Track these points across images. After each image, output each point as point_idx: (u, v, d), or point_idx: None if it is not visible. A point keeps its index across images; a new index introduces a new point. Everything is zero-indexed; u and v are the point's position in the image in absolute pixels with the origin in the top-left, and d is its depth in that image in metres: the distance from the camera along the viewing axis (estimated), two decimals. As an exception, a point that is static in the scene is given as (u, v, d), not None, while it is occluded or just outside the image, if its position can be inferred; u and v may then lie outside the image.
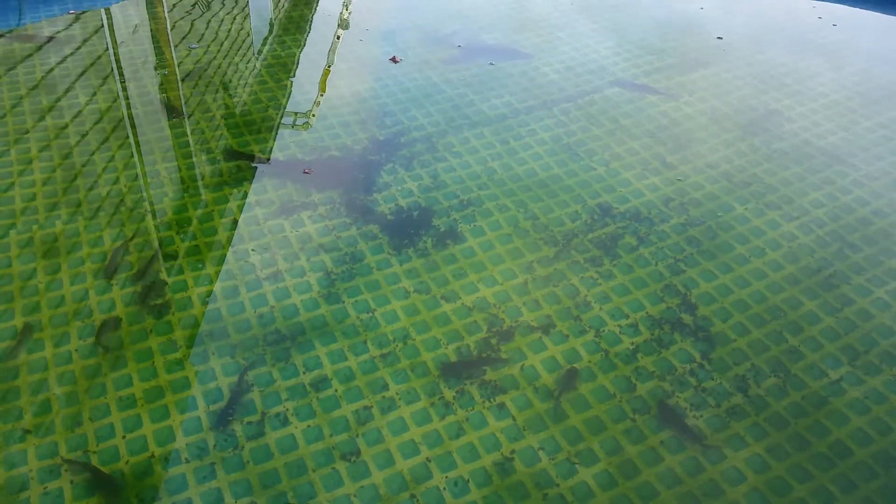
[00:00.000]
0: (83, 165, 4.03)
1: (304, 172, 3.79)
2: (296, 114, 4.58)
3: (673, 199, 3.96)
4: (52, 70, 4.81)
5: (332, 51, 5.29)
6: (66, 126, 4.32)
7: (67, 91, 4.63)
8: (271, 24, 5.67)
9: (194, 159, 4.15)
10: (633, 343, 3.19)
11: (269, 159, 4.16)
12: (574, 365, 3.06)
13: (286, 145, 4.29)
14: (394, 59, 5.09)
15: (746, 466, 2.74)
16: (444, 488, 2.65)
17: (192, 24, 5.51)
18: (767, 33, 5.69)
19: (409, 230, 3.73)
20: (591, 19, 5.86)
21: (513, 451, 2.77)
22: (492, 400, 2.94)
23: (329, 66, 5.09)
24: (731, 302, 3.39)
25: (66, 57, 4.96)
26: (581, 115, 4.63)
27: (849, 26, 5.82)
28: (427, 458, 2.74)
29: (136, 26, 5.39)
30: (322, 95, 4.76)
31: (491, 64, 5.16)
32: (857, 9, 6.10)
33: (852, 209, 3.90)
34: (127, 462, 2.67)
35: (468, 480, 2.67)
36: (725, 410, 2.93)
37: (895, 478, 2.71)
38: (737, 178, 4.11)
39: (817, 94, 4.89)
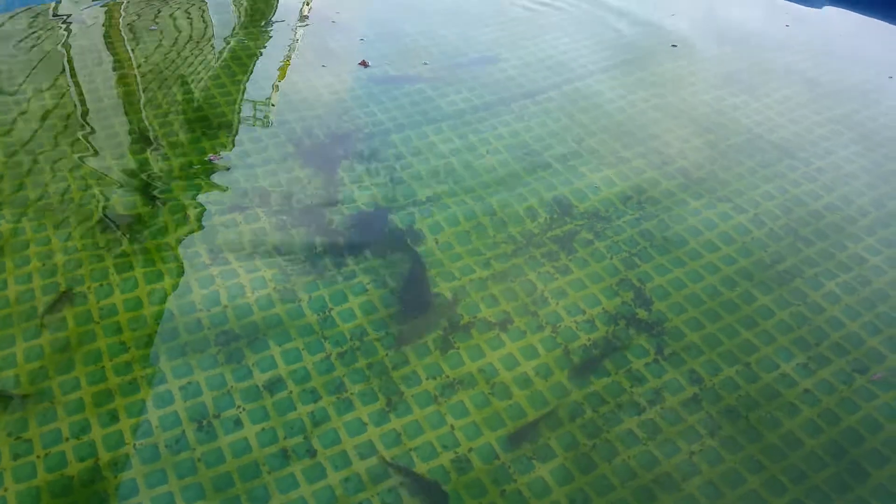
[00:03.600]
0: (33, 163, 3.91)
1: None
2: (253, 110, 4.50)
3: (628, 195, 3.98)
4: (-4, 64, 4.67)
5: (291, 46, 5.22)
6: (12, 122, 4.19)
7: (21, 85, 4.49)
8: (230, 18, 5.57)
9: (147, 156, 4.05)
10: (589, 339, 3.20)
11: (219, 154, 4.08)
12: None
13: (240, 141, 4.21)
14: (363, 64, 5.02)
15: (701, 459, 2.77)
16: (402, 489, 2.63)
17: (153, 15, 5.39)
18: (723, 30, 5.76)
19: (366, 226, 3.69)
20: (549, 17, 5.88)
21: (470, 449, 2.76)
22: (450, 398, 2.93)
23: (287, 62, 5.02)
24: (684, 296, 3.42)
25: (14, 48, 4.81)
26: (539, 111, 4.64)
27: (801, 24, 5.92)
28: (384, 458, 2.71)
29: (88, 18, 5.26)
30: (278, 92, 4.69)
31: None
32: (810, 8, 6.21)
33: (804, 203, 3.97)
34: (78, 467, 2.60)
35: (425, 480, 2.66)
36: (680, 404, 2.96)
37: (844, 467, 2.77)
38: (692, 174, 4.15)
39: (770, 89, 4.96)
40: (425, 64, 5.05)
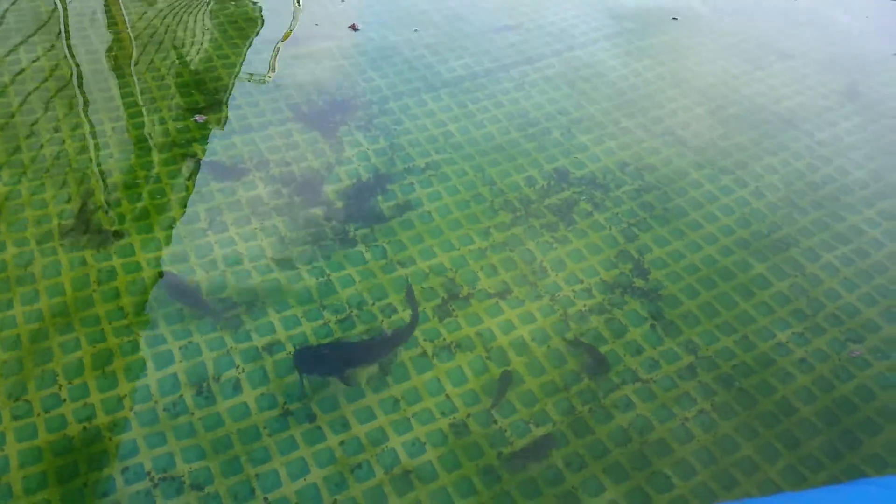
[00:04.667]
0: (33, 125, 3.88)
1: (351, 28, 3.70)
2: (251, 75, 4.46)
3: (629, 164, 3.97)
4: (-10, 26, 4.60)
5: (290, 11, 5.15)
6: (6, 85, 4.15)
7: (10, 47, 4.44)
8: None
9: (144, 119, 4.02)
10: (586, 307, 3.21)
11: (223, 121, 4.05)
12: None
13: (238, 105, 4.18)
14: (353, 27, 4.96)
15: (695, 425, 2.80)
16: (401, 450, 2.66)
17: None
18: (725, 0, 5.70)
19: (364, 194, 3.68)
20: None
21: (469, 415, 2.79)
22: (448, 364, 2.95)
23: (289, 29, 4.96)
24: (682, 266, 3.43)
25: (5, 11, 4.75)
26: (539, 79, 4.60)
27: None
28: (383, 423, 2.74)
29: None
30: (277, 56, 4.64)
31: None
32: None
33: (803, 174, 3.96)
34: (77, 429, 2.62)
35: (424, 442, 2.69)
36: (675, 371, 2.98)
37: (836, 434, 2.80)
38: (692, 144, 4.14)
39: (774, 59, 4.93)
40: (415, 31, 4.99)
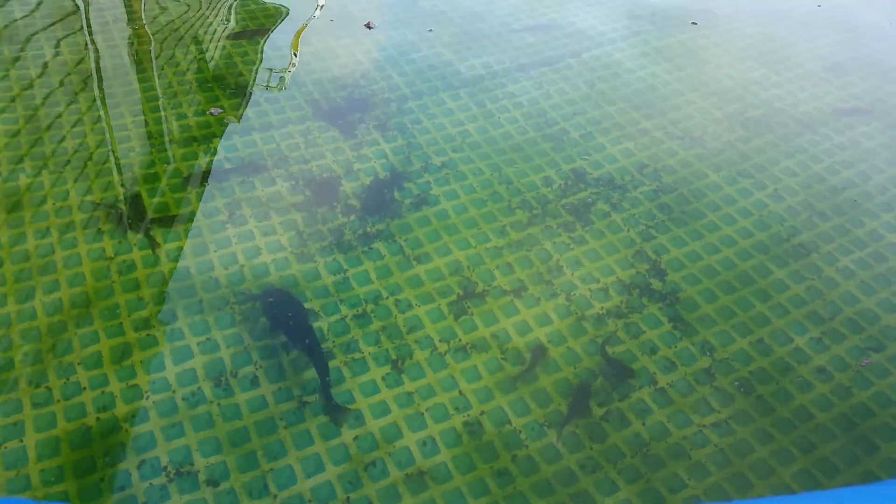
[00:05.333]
0: (56, 118, 3.92)
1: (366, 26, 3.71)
2: (270, 71, 4.48)
3: (647, 166, 3.96)
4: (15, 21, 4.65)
5: (310, 7, 5.17)
6: (31, 79, 4.19)
7: (28, 42, 4.48)
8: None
9: (164, 113, 4.05)
10: (603, 308, 3.21)
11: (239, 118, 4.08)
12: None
13: (257, 102, 4.20)
14: (368, 25, 4.97)
15: (711, 430, 2.79)
16: (415, 449, 2.67)
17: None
18: (745, 4, 5.66)
19: (382, 191, 3.69)
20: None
21: (482, 413, 2.79)
22: (464, 363, 2.95)
23: (304, 25, 4.98)
24: (700, 268, 3.42)
25: (32, 9, 4.79)
26: (558, 79, 4.60)
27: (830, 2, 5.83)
28: (398, 419, 2.75)
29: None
30: (296, 54, 4.66)
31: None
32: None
33: (823, 178, 3.94)
34: (95, 419, 2.65)
35: (437, 441, 2.69)
36: (692, 375, 2.97)
37: (852, 439, 2.78)
38: (711, 146, 4.12)
39: (792, 63, 4.90)
40: (431, 31, 4.99)
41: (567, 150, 4.04)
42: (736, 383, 2.95)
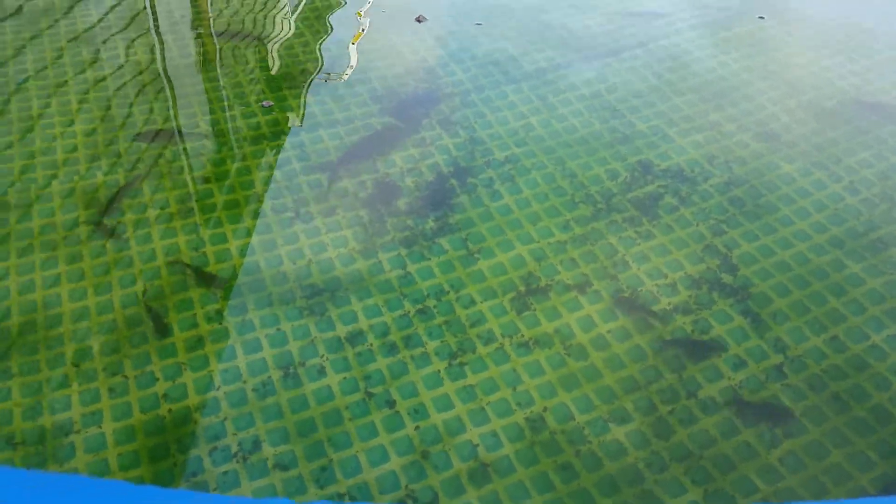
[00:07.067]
0: (126, 118, 4.07)
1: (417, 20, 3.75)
2: (333, 67, 4.54)
3: (717, 157, 3.86)
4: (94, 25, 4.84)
5: (371, 3, 5.22)
6: (105, 78, 4.35)
7: (105, 42, 4.65)
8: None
9: (234, 112, 4.15)
10: (670, 303, 3.15)
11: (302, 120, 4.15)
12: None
13: (322, 101, 4.26)
14: (419, 19, 4.97)
15: (782, 430, 2.71)
16: (478, 442, 2.67)
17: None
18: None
19: (445, 186, 3.70)
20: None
21: (545, 408, 2.78)
22: (526, 357, 2.94)
23: (363, 17, 5.03)
24: (772, 263, 3.32)
25: (108, 10, 4.98)
26: (623, 70, 4.52)
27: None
28: (460, 413, 2.76)
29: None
30: (357, 46, 4.71)
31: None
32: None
33: (904, 170, 3.77)
34: (168, 410, 2.75)
35: (500, 435, 2.69)
36: (763, 372, 2.89)
37: (937, 444, 2.67)
38: (783, 137, 3.99)
39: (870, 50, 4.69)
40: (494, 24, 4.97)
41: (633, 141, 3.97)
42: (809, 381, 2.85)
